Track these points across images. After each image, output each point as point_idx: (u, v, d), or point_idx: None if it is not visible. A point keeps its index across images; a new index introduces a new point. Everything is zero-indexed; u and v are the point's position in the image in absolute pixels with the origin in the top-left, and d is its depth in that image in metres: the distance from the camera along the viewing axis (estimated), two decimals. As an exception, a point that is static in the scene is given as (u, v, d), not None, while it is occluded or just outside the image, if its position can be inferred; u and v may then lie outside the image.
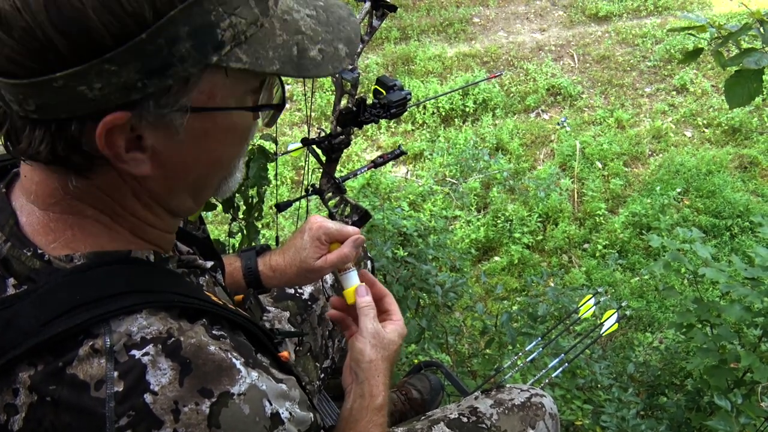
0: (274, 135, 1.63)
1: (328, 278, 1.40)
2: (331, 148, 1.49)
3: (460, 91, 5.11)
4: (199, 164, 0.65)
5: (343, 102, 1.46)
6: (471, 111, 5.16)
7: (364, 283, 0.99)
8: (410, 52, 5.81)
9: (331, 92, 4.96)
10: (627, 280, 3.83)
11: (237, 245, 1.81)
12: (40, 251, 0.62)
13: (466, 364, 2.58)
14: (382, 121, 1.52)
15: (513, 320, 2.42)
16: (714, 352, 1.96)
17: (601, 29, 6.29)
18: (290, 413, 0.65)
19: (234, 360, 0.61)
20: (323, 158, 1.52)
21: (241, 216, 1.75)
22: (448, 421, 1.18)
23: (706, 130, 5.10)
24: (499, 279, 3.81)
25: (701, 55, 1.78)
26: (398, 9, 1.53)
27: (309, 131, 1.59)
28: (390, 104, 1.44)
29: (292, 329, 1.27)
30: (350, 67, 1.41)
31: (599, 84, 5.59)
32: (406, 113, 2.83)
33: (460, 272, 3.13)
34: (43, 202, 0.64)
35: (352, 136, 1.55)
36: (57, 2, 0.50)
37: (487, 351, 2.38)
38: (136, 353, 0.57)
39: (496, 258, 4.02)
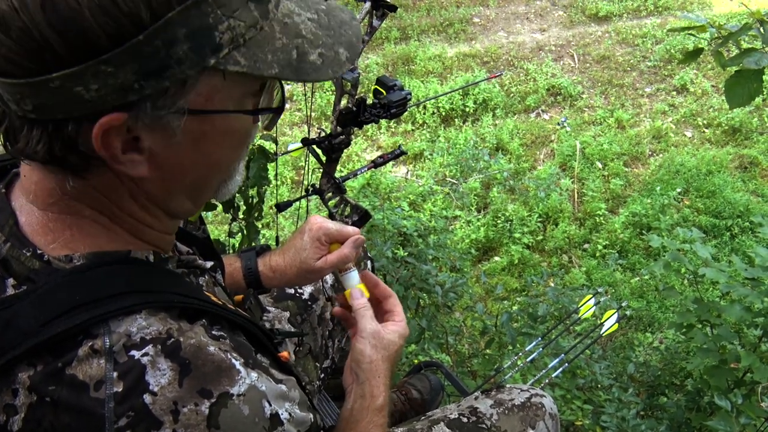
0: (274, 135, 1.63)
1: (328, 278, 1.40)
2: (331, 148, 1.49)
3: (460, 91, 5.11)
4: (197, 167, 0.65)
5: (343, 102, 1.46)
6: (471, 111, 5.16)
7: (359, 286, 0.99)
8: (410, 52, 5.81)
9: (331, 92, 4.96)
10: (627, 280, 3.83)
11: (237, 245, 1.82)
12: (39, 251, 0.62)
13: (466, 364, 2.58)
14: (382, 121, 1.52)
15: (513, 320, 2.42)
16: (714, 352, 1.96)
17: (601, 29, 6.28)
18: (290, 414, 0.65)
19: (233, 360, 0.61)
20: (323, 158, 1.52)
21: (241, 216, 1.75)
22: (448, 422, 1.18)
23: (706, 130, 5.10)
24: (499, 279, 3.80)
25: (701, 55, 1.78)
26: (398, 9, 1.53)
27: (309, 131, 1.59)
28: (390, 104, 1.44)
29: (292, 329, 1.27)
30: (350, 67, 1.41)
31: (599, 84, 5.59)
32: (406, 113, 2.83)
33: (460, 272, 3.13)
34: (42, 202, 0.64)
35: (352, 136, 1.54)
36: (54, 2, 0.50)
37: (487, 351, 2.38)
38: (136, 354, 0.57)
39: (496, 258, 4.02)
